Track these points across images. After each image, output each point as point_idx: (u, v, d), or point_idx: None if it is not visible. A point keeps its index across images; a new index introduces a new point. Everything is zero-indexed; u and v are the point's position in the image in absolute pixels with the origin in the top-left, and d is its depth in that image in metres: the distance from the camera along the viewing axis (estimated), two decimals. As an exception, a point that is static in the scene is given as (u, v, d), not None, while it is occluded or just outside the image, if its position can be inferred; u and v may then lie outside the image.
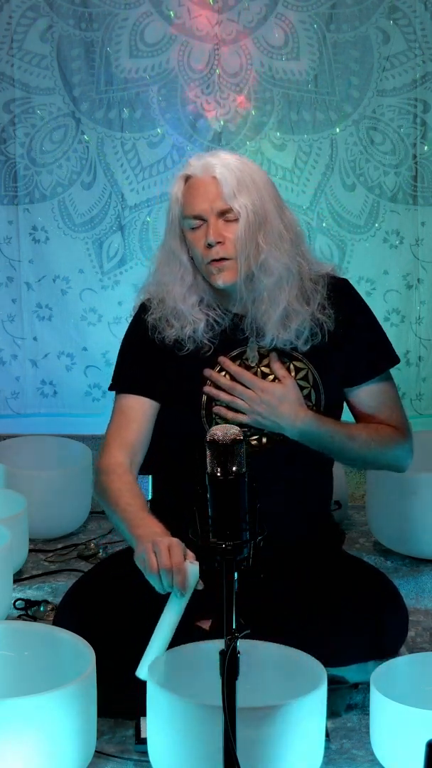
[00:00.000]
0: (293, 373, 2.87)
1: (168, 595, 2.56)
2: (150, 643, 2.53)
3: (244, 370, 2.85)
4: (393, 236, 4.35)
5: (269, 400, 2.83)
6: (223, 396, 2.84)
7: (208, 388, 2.85)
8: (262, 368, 2.87)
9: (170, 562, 2.53)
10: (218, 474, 2.12)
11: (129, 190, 4.29)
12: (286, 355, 2.87)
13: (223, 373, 2.86)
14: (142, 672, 2.48)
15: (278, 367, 2.86)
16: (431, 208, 4.34)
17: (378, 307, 4.36)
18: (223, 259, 2.79)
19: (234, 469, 2.12)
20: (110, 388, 2.98)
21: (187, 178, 2.83)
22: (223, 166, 2.79)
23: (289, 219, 2.88)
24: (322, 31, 4.22)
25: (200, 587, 2.54)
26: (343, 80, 4.25)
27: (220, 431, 2.13)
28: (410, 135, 4.29)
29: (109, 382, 2.98)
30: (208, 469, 2.13)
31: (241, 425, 2.83)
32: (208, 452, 2.14)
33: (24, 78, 4.23)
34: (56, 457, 4.07)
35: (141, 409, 2.90)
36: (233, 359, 2.87)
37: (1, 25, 4.20)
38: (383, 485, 3.67)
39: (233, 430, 2.14)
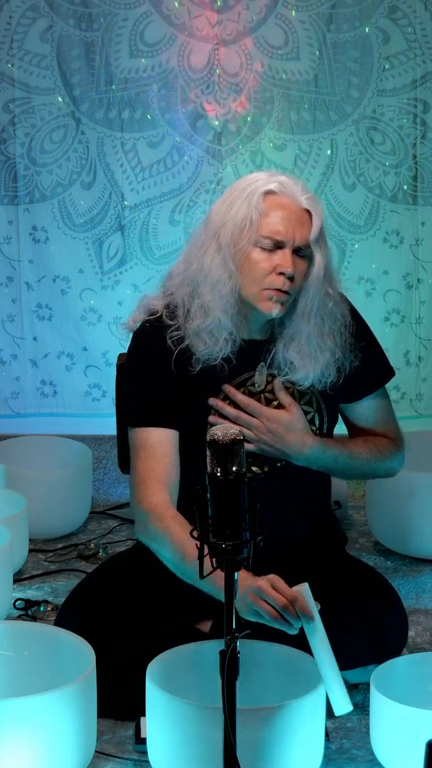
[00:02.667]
0: (297, 398, 2.85)
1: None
2: (325, 679, 2.45)
3: (250, 399, 2.81)
4: (393, 236, 4.35)
5: (276, 428, 2.80)
6: None
7: (213, 418, 2.80)
8: (266, 394, 2.85)
9: (284, 599, 2.43)
10: (218, 474, 2.12)
11: (129, 190, 4.29)
12: (288, 380, 2.85)
13: (228, 401, 2.82)
14: (341, 708, 2.44)
15: (283, 395, 2.83)
16: (431, 208, 4.34)
17: (378, 307, 4.37)
18: (286, 292, 2.72)
19: (234, 469, 2.12)
20: (130, 424, 2.84)
21: (268, 193, 2.71)
22: (312, 200, 2.72)
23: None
24: (322, 31, 4.22)
25: (318, 606, 2.46)
26: (343, 80, 4.25)
27: (220, 431, 2.13)
28: (410, 135, 4.29)
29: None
30: (208, 469, 2.13)
31: (246, 454, 2.81)
32: (208, 452, 2.14)
33: (24, 78, 4.23)
34: (56, 457, 4.07)
35: (167, 442, 2.79)
36: (238, 385, 2.83)
37: (1, 25, 4.20)
38: (383, 485, 3.67)
39: (233, 430, 2.13)
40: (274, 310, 2.73)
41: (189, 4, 4.20)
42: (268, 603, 2.45)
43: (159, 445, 2.78)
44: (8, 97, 4.23)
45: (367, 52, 4.24)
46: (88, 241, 4.32)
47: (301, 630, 2.46)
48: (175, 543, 2.65)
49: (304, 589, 2.47)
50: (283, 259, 2.69)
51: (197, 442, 2.78)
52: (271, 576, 2.47)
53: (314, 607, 2.46)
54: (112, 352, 4.29)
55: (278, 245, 2.70)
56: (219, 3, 4.19)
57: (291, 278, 2.71)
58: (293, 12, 4.17)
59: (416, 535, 3.66)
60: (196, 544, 2.17)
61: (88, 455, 4.00)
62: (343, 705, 2.44)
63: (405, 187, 4.32)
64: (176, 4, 4.19)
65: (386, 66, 4.25)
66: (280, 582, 2.46)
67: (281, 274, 2.70)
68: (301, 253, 2.72)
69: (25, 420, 4.40)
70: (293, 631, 2.46)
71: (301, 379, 2.81)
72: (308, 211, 2.72)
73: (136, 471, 2.79)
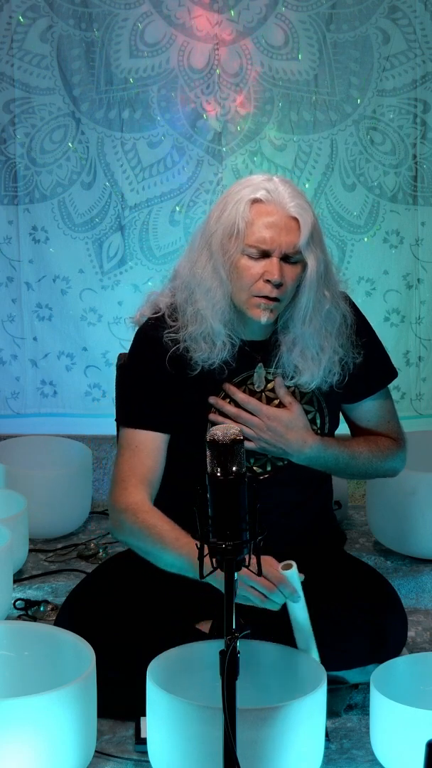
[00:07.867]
0: (298, 397, 2.85)
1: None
2: (302, 643, 2.62)
3: (250, 397, 2.81)
4: (393, 236, 4.35)
5: (276, 427, 2.80)
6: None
7: (213, 416, 2.80)
8: (267, 393, 2.85)
9: (272, 584, 2.52)
10: (218, 474, 2.12)
11: (129, 190, 4.29)
12: (294, 384, 2.84)
13: (228, 399, 2.83)
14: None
15: (284, 394, 2.83)
16: (431, 208, 4.34)
17: (378, 307, 4.37)
18: (276, 299, 2.71)
19: (234, 469, 2.12)
20: (120, 422, 2.87)
21: (255, 201, 2.70)
22: (300, 207, 2.68)
23: (335, 266, 2.86)
24: (322, 31, 4.22)
25: (302, 578, 2.55)
26: (343, 80, 4.25)
27: (220, 431, 2.13)
28: (410, 135, 4.29)
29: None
30: (208, 469, 2.13)
31: (247, 452, 2.81)
32: (208, 452, 2.14)
33: (24, 78, 4.23)
34: (56, 457, 4.07)
35: (154, 444, 2.81)
36: (238, 385, 2.82)
37: (1, 25, 4.20)
38: (383, 485, 3.67)
39: (233, 430, 2.13)
40: (263, 318, 2.73)
41: (189, 4, 4.20)
42: (257, 591, 2.52)
43: (144, 445, 2.80)
44: (8, 97, 4.23)
45: (367, 52, 4.24)
46: (88, 241, 4.32)
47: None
48: (154, 532, 2.68)
49: (290, 573, 2.54)
50: (270, 266, 2.68)
51: (197, 443, 2.79)
52: (265, 558, 2.49)
53: (299, 587, 2.55)
54: (112, 352, 4.29)
55: (265, 254, 2.69)
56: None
57: (278, 285, 2.70)
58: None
59: (416, 535, 3.66)
60: (197, 544, 2.18)
61: (88, 455, 4.00)
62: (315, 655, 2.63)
63: (405, 187, 4.32)
64: (176, 4, 4.19)
65: (386, 66, 4.25)
66: (268, 565, 2.51)
67: (268, 281, 2.69)
68: (291, 259, 2.71)
69: (25, 420, 4.40)
70: (277, 608, 2.55)
71: (306, 383, 2.81)
72: (296, 219, 2.71)
73: (117, 469, 2.81)
